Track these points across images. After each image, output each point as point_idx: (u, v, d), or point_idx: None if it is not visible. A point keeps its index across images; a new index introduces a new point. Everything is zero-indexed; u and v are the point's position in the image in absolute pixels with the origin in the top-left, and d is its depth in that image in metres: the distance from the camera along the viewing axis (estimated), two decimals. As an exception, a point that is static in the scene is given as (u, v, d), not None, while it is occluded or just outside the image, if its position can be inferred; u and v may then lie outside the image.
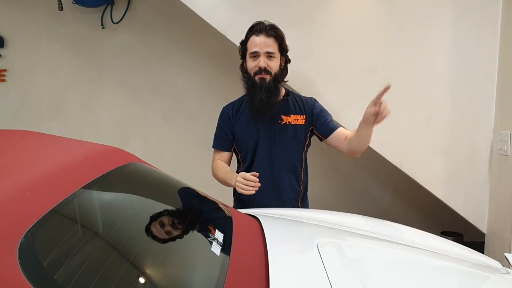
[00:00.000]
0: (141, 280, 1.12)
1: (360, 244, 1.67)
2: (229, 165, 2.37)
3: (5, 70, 4.24)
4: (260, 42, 2.18)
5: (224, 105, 2.42)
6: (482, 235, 3.22)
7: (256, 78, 2.21)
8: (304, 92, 3.06)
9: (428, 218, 3.97)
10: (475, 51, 3.05)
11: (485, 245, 3.16)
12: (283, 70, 2.30)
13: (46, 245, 0.98)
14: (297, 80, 3.10)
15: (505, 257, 1.85)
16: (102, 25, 4.11)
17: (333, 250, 1.51)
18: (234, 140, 2.34)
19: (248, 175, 2.03)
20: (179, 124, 4.22)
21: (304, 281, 1.27)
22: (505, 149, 2.88)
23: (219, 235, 1.40)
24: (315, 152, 3.95)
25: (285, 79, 2.33)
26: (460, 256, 1.77)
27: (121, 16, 4.08)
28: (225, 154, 2.37)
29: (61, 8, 3.98)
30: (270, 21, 2.25)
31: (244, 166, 2.34)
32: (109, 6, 4.07)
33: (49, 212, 1.05)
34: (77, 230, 1.12)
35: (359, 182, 4.13)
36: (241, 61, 2.32)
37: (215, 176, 2.34)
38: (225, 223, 1.59)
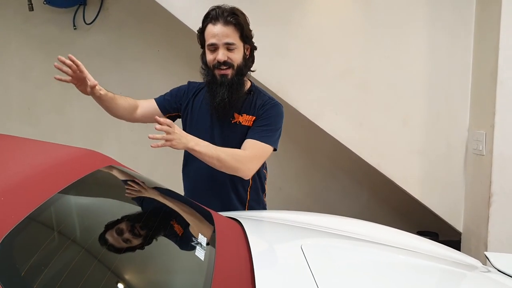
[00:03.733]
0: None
1: (344, 246, 1.65)
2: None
3: (-28, 72, 4.09)
4: (217, 32, 1.89)
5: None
6: (457, 234, 3.25)
7: (216, 73, 1.95)
8: (281, 93, 3.06)
9: (404, 218, 4.00)
10: (450, 52, 3.09)
11: (461, 243, 3.20)
12: (248, 61, 2.02)
13: (23, 254, 0.93)
14: (274, 82, 3.09)
15: (485, 255, 1.86)
16: (74, 26, 4.01)
17: (319, 253, 1.49)
18: (173, 112, 2.15)
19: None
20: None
21: (290, 285, 1.25)
22: (480, 149, 2.91)
23: (202, 239, 1.37)
24: (290, 152, 3.96)
25: (252, 69, 2.07)
26: (442, 255, 1.78)
27: (93, 17, 3.98)
28: (153, 108, 2.14)
29: (31, 8, 3.85)
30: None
31: (185, 153, 2.13)
32: (81, 7, 3.96)
33: (25, 218, 0.99)
34: (55, 237, 1.07)
35: (335, 183, 4.13)
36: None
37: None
38: (207, 227, 1.55)
